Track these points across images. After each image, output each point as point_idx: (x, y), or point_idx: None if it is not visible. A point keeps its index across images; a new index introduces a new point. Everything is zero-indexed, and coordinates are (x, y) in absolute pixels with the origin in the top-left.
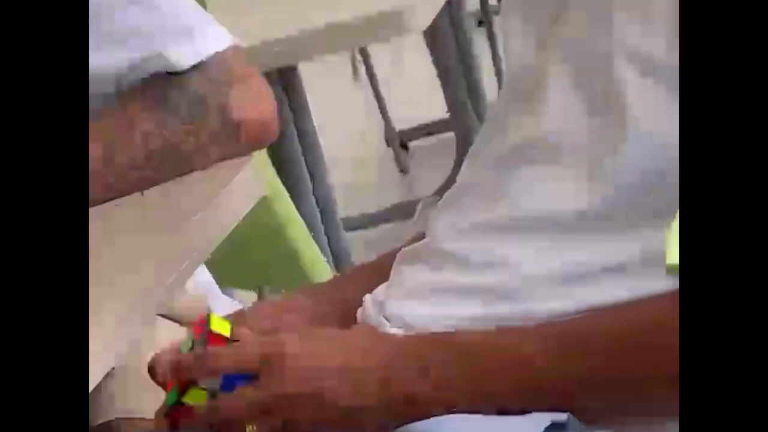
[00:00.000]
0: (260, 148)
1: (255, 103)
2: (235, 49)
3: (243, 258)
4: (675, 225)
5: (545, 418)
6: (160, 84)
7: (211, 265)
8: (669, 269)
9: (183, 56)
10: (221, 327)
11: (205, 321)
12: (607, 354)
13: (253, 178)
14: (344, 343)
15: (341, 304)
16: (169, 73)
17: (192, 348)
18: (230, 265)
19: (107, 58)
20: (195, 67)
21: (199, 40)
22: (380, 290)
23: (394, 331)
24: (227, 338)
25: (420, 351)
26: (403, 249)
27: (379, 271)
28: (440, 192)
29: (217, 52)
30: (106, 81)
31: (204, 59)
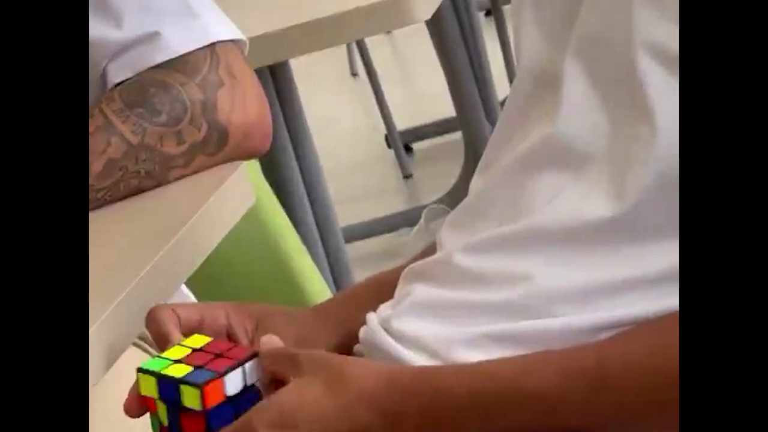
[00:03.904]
0: (251, 156)
1: (246, 106)
2: (233, 44)
3: (229, 273)
4: None
5: None
6: (142, 81)
7: (194, 281)
8: None
9: (176, 42)
10: (192, 399)
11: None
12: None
13: (241, 186)
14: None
15: (342, 324)
16: (155, 67)
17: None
18: (215, 281)
19: (96, 33)
20: (182, 60)
21: (199, 27)
22: (385, 307)
23: (402, 351)
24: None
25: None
26: (410, 265)
27: (383, 288)
28: (447, 198)
29: (211, 45)
30: (93, 64)
31: (197, 51)
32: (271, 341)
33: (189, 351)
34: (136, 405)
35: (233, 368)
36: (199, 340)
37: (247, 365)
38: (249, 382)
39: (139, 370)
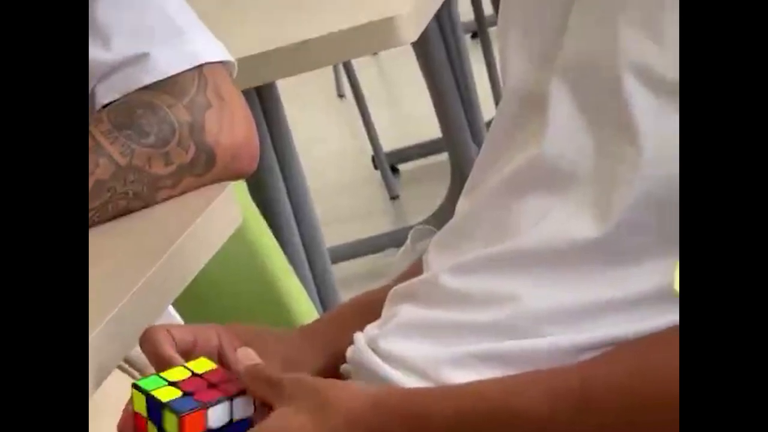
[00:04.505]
0: (239, 177)
1: (234, 128)
2: (222, 65)
3: (216, 293)
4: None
5: None
6: (130, 102)
7: (180, 301)
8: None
9: (165, 63)
10: (172, 426)
11: (156, 411)
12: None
13: (229, 207)
14: None
15: (329, 345)
16: (143, 88)
17: None
18: (201, 301)
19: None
20: (170, 81)
21: (186, 48)
22: (372, 327)
23: (389, 370)
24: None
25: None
26: (397, 286)
27: (369, 308)
28: (433, 219)
29: (200, 66)
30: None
31: (184, 71)
32: (247, 355)
33: (188, 375)
34: (131, 424)
35: (219, 402)
36: (202, 365)
37: (236, 400)
38: (236, 417)
39: (134, 386)
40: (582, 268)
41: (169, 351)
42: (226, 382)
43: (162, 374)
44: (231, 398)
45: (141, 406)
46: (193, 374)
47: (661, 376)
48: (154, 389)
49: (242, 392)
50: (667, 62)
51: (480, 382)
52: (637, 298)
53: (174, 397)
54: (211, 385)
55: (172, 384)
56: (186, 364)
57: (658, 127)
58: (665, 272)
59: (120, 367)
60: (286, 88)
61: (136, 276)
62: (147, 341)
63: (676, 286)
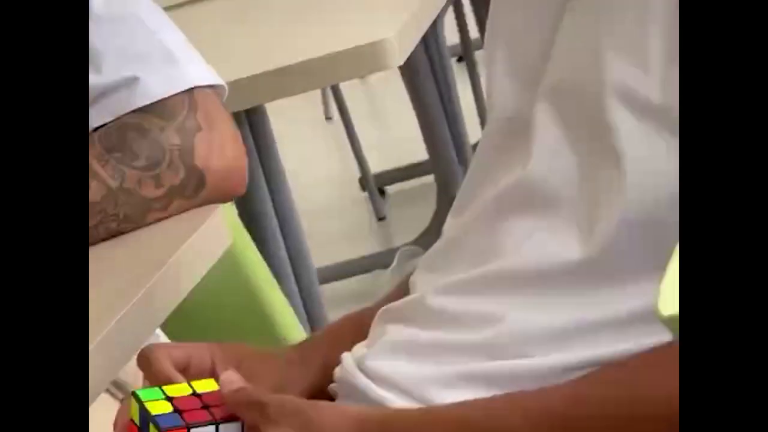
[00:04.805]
0: (228, 199)
1: (223, 151)
2: (213, 89)
3: (200, 306)
4: (669, 273)
5: None
6: (120, 126)
7: (167, 321)
8: (662, 320)
9: (155, 86)
10: None
11: (144, 422)
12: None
13: (218, 228)
14: None
15: (319, 364)
16: (134, 111)
17: None
18: (185, 313)
19: None
20: (161, 105)
21: (177, 71)
22: (360, 347)
23: (376, 390)
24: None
25: None
26: (385, 307)
27: (357, 329)
28: (420, 240)
29: (190, 89)
30: None
31: (174, 94)
32: (230, 379)
33: (189, 392)
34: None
35: (204, 425)
36: (206, 386)
37: (224, 425)
38: None
39: (132, 393)
40: (566, 290)
41: (170, 369)
42: (218, 405)
43: (164, 387)
44: (217, 423)
45: (135, 415)
46: (193, 393)
47: (646, 398)
48: (148, 400)
49: (234, 418)
50: (652, 86)
51: (463, 405)
52: (621, 320)
53: (163, 412)
54: (205, 407)
55: (168, 399)
56: (191, 383)
57: (642, 150)
58: (648, 294)
59: (108, 390)
60: (275, 111)
61: (126, 298)
62: (145, 360)
63: (660, 308)
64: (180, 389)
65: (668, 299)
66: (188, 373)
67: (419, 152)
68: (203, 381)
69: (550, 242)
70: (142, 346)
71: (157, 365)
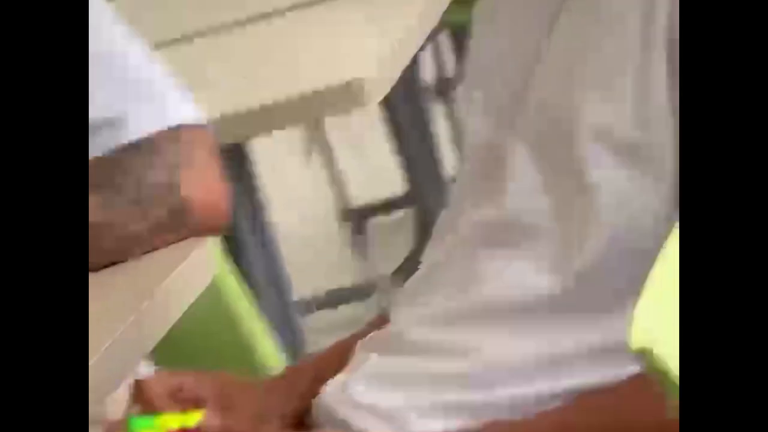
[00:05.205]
0: (212, 233)
1: (207, 187)
2: (197, 127)
3: (187, 342)
4: (640, 305)
5: None
6: (107, 162)
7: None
8: (633, 352)
9: (141, 122)
10: None
11: None
12: None
13: (205, 259)
14: None
15: (301, 392)
16: (120, 147)
17: None
18: (173, 349)
19: None
20: (146, 141)
21: (164, 110)
22: (342, 376)
23: (357, 418)
24: None
25: None
26: (366, 336)
27: (338, 358)
28: (399, 272)
29: (175, 126)
30: None
31: (159, 131)
32: (211, 417)
33: (179, 425)
34: None
35: None
36: (195, 418)
37: None
38: None
39: (127, 420)
40: (542, 320)
41: (164, 399)
42: None
43: (159, 416)
44: None
45: None
46: (183, 426)
47: (634, 424)
48: (137, 428)
49: None
50: (624, 123)
51: None
52: (596, 349)
53: None
54: None
55: (157, 428)
56: (187, 413)
57: (616, 185)
58: (622, 325)
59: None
60: (257, 145)
61: (114, 327)
62: (140, 391)
63: (631, 340)
64: (173, 420)
65: (639, 331)
66: (178, 403)
67: (398, 185)
68: (193, 413)
69: (526, 275)
70: (130, 374)
71: (150, 394)
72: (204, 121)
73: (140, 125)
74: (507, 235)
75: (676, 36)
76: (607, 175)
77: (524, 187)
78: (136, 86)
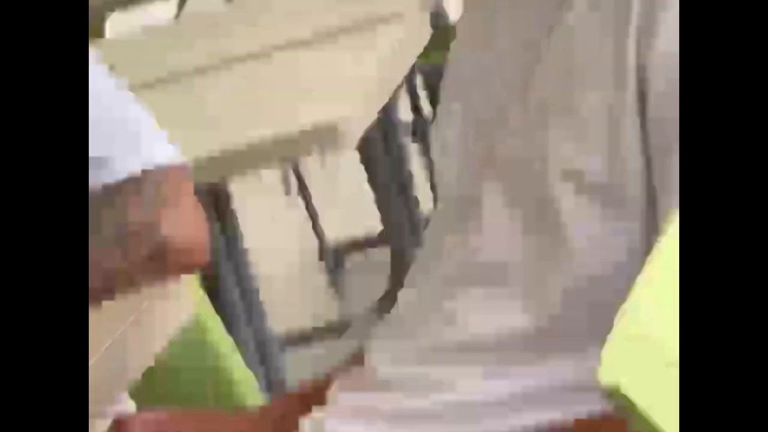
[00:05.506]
0: (191, 272)
1: (186, 226)
2: (177, 167)
3: (166, 379)
4: (609, 343)
5: None
6: (89, 201)
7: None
8: (602, 389)
9: (122, 163)
10: None
11: None
12: None
13: (182, 296)
14: None
15: (278, 429)
16: (101, 188)
17: None
18: (152, 385)
19: None
20: (128, 182)
21: (144, 150)
22: (317, 412)
23: None
24: None
25: None
26: (341, 374)
27: (315, 395)
28: (375, 310)
29: (155, 168)
30: None
31: (140, 172)
32: None
33: None
34: None
35: None
36: None
37: None
38: None
39: None
40: (515, 358)
41: None
42: None
43: None
44: None
45: None
46: None
47: None
48: None
49: None
50: (595, 165)
51: None
52: (568, 386)
53: None
54: None
55: None
56: None
57: (586, 226)
58: (592, 363)
59: None
60: (236, 184)
61: (91, 364)
62: (121, 427)
63: (600, 377)
64: None
65: (609, 368)
66: None
67: (375, 224)
68: None
69: (499, 314)
70: (109, 410)
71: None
72: (183, 162)
73: (121, 166)
74: (481, 275)
75: (645, 76)
76: (578, 215)
77: (498, 228)
78: (116, 127)
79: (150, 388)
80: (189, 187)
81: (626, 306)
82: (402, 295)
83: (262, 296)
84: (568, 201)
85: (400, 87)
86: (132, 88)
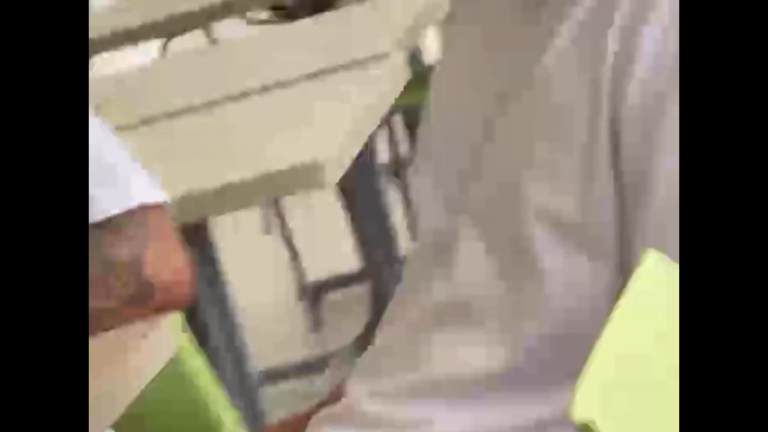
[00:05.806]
0: (175, 309)
1: (170, 264)
2: (159, 205)
3: (149, 415)
4: (583, 380)
5: None
6: None
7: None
8: (577, 426)
9: (105, 203)
10: None
11: None
12: None
13: (166, 333)
14: None
15: None
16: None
17: None
18: (135, 422)
19: None
20: (111, 221)
21: (125, 189)
22: None
23: None
24: None
25: None
26: (320, 411)
27: (294, 431)
28: (354, 347)
29: (138, 206)
30: None
31: (123, 211)
32: None
33: None
34: None
35: None
36: None
37: None
38: None
39: None
40: (492, 396)
41: None
42: None
43: None
44: None
45: None
46: None
47: None
48: None
49: None
50: (569, 205)
51: None
52: (545, 423)
53: None
54: None
55: None
56: None
57: (562, 266)
58: (566, 399)
59: None
60: (217, 223)
61: None
62: None
63: (574, 413)
64: None
65: (582, 405)
66: None
67: (354, 262)
68: None
69: (475, 352)
70: None
71: None
72: (165, 200)
73: (103, 205)
74: (457, 315)
75: (620, 116)
76: (553, 255)
77: (474, 268)
78: (98, 167)
79: (132, 422)
80: (171, 226)
81: (599, 342)
82: (380, 332)
83: (243, 331)
84: (542, 240)
85: (379, 126)
86: (115, 129)
